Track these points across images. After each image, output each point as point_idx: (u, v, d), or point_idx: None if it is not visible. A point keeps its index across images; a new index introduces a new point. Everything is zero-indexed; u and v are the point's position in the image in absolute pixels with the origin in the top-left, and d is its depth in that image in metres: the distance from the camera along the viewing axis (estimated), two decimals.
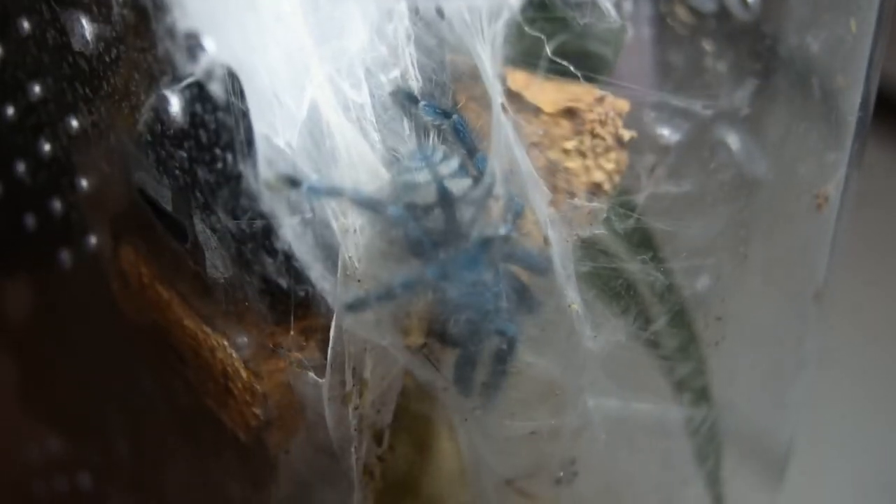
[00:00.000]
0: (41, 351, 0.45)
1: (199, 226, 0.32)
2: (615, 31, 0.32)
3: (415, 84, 0.32)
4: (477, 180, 0.31)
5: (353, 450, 0.34)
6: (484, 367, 0.32)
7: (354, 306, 0.31)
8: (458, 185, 0.31)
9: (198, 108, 0.30)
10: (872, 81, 0.37)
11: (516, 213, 0.31)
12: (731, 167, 0.34)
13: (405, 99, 0.31)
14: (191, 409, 0.37)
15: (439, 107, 0.31)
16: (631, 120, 0.32)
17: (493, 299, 0.31)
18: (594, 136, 0.32)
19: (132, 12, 0.31)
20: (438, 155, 0.31)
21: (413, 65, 0.31)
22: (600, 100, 0.32)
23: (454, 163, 0.31)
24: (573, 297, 0.32)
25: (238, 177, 0.30)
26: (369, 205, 0.31)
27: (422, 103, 0.31)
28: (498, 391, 0.33)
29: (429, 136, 0.32)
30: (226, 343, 0.34)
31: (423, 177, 0.31)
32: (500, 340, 0.31)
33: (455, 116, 0.31)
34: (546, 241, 0.32)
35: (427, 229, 0.31)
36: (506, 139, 0.31)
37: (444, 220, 0.31)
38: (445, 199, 0.31)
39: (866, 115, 0.37)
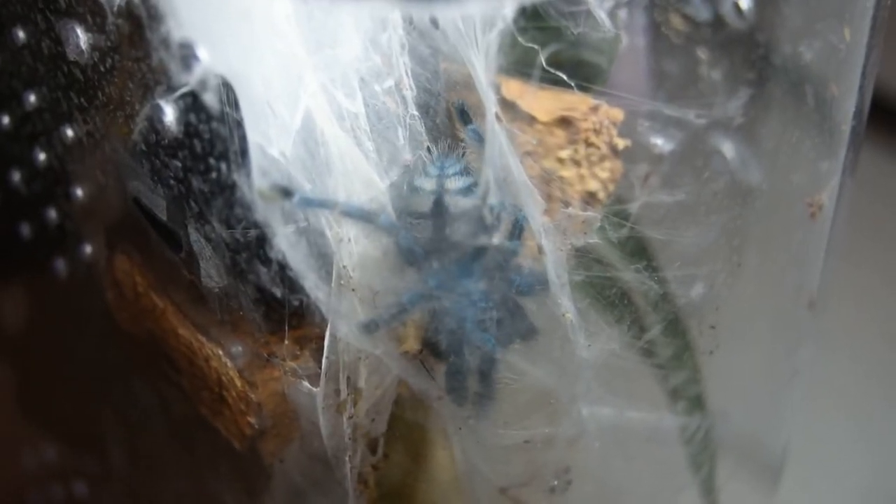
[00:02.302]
0: (37, 359, 0.45)
1: (194, 235, 0.32)
2: (609, 40, 0.32)
3: (409, 93, 0.32)
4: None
5: (347, 458, 0.34)
6: (474, 378, 0.32)
7: (369, 327, 0.31)
8: (458, 203, 0.31)
9: (192, 117, 0.30)
10: (866, 90, 0.37)
11: (520, 227, 0.31)
12: (724, 176, 0.34)
13: (460, 115, 0.31)
14: (186, 418, 0.37)
15: (482, 134, 0.31)
16: (625, 129, 0.32)
17: (474, 311, 0.31)
18: (589, 144, 0.32)
19: (127, 22, 0.31)
20: (455, 168, 0.31)
21: (407, 74, 0.31)
22: (595, 109, 0.32)
23: (463, 182, 0.31)
24: (567, 306, 0.32)
25: (232, 186, 0.30)
26: (360, 215, 0.31)
27: (471, 126, 0.31)
28: (490, 401, 0.33)
29: (421, 147, 0.32)
30: (220, 352, 0.34)
31: (430, 185, 0.31)
32: (483, 352, 0.31)
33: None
34: (540, 249, 0.32)
35: (418, 238, 0.31)
36: (500, 148, 0.31)
37: (435, 231, 0.31)
38: (440, 211, 0.31)
39: (860, 124, 0.37)
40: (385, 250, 0.32)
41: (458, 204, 0.31)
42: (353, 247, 0.31)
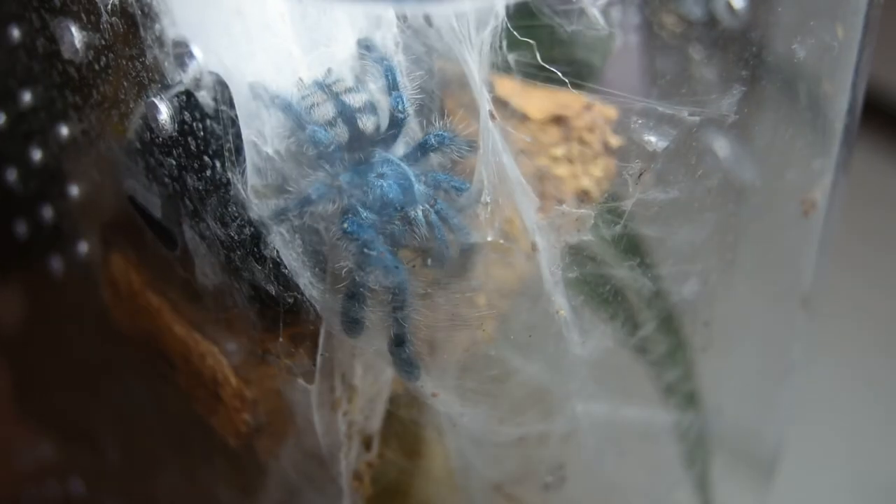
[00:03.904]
0: (33, 357, 0.45)
1: (189, 233, 0.32)
2: (603, 38, 0.32)
3: (404, 90, 0.32)
4: (393, 115, 0.31)
5: (342, 456, 0.34)
6: (389, 316, 0.31)
7: (277, 215, 0.31)
8: (366, 122, 0.31)
9: (186, 115, 0.30)
10: (859, 88, 0.37)
11: (392, 78, 0.31)
12: (718, 173, 0.34)
13: (364, 48, 0.31)
14: (181, 416, 0.37)
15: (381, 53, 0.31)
16: (619, 127, 0.32)
17: (381, 224, 0.30)
18: (582, 142, 0.32)
19: (121, 20, 0.31)
20: (343, 86, 0.31)
21: (402, 72, 0.31)
22: (588, 107, 0.32)
23: (361, 97, 0.31)
24: (561, 303, 0.32)
25: (227, 184, 0.30)
26: (297, 120, 0.30)
27: (376, 55, 0.31)
28: (406, 346, 0.31)
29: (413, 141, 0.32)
30: (216, 349, 0.34)
31: (320, 98, 0.30)
32: (391, 278, 0.30)
33: (388, 62, 0.31)
34: (534, 247, 0.32)
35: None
36: (494, 146, 0.31)
37: (348, 132, 0.31)
38: (344, 115, 0.30)
39: (853, 122, 0.37)
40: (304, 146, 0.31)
41: (368, 122, 0.31)
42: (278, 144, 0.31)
